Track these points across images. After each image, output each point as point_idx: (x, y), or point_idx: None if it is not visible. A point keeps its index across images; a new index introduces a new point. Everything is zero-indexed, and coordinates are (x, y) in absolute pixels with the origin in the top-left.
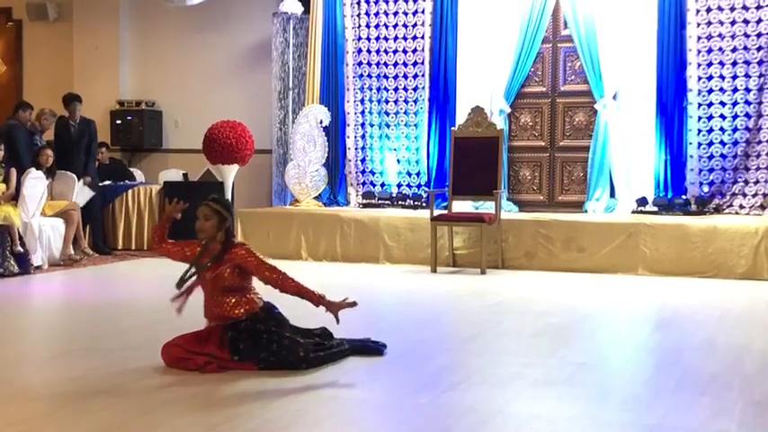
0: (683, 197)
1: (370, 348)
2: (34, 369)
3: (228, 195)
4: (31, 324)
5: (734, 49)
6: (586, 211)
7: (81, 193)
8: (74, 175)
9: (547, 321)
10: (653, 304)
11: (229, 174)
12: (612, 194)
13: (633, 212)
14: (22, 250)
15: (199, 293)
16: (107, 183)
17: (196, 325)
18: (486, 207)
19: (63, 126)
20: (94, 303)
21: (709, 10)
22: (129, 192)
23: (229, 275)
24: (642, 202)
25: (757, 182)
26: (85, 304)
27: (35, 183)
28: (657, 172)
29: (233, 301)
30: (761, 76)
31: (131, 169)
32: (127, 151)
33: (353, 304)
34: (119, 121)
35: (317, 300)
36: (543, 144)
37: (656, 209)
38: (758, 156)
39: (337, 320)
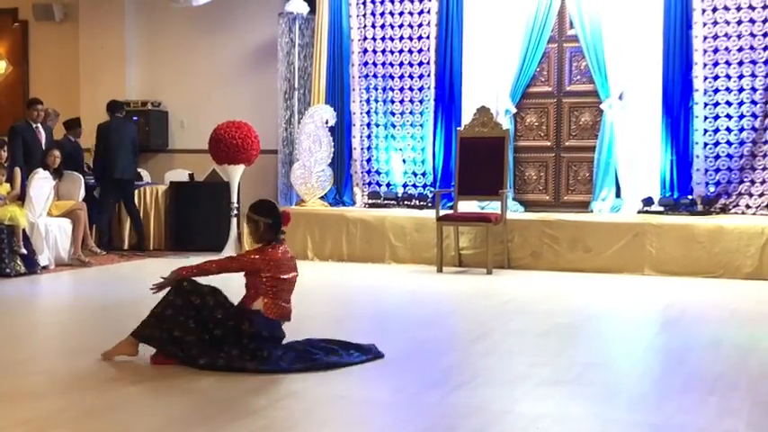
0: (689, 197)
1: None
2: (41, 368)
3: (234, 196)
4: (38, 324)
5: (740, 49)
6: (592, 211)
7: None
8: (80, 176)
9: (553, 321)
10: (659, 304)
11: (235, 174)
12: (618, 194)
13: (639, 212)
14: (25, 252)
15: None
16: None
17: None
18: (492, 207)
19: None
20: (100, 303)
21: (715, 10)
22: (135, 191)
23: None
24: (648, 202)
25: (764, 182)
26: (91, 304)
27: (42, 183)
28: (663, 172)
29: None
30: (767, 75)
31: (137, 169)
32: None
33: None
34: None
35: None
36: (549, 144)
37: (662, 209)
38: (764, 156)
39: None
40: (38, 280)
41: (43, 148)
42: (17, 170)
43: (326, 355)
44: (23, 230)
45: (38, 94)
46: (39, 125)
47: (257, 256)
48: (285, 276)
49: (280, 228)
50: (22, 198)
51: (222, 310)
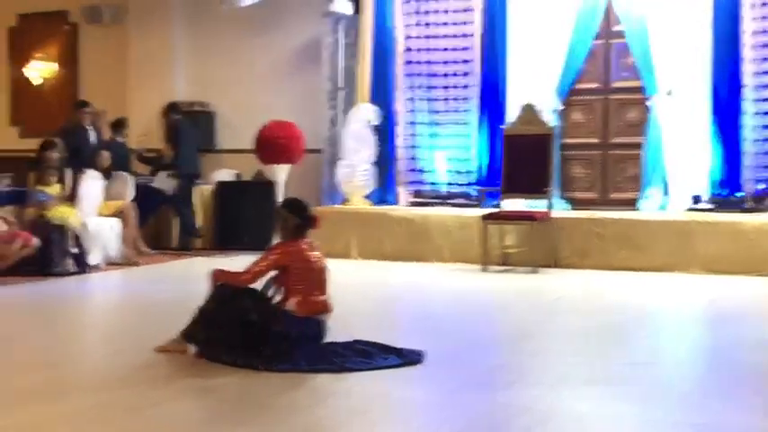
0: (739, 194)
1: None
2: (88, 366)
3: (280, 195)
4: (88, 323)
5: None
6: (640, 209)
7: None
8: (129, 176)
9: (601, 320)
10: (707, 303)
11: (281, 173)
12: (666, 192)
13: (688, 210)
14: (76, 251)
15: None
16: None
17: None
18: (538, 205)
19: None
20: (149, 302)
21: (764, 4)
22: None
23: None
24: (697, 199)
25: None
26: (140, 303)
27: (92, 183)
28: (712, 169)
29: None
30: None
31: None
32: None
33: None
34: None
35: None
36: (596, 141)
37: (710, 206)
38: None
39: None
40: (88, 279)
41: (92, 149)
42: (67, 171)
43: (357, 357)
44: (74, 230)
45: (87, 96)
46: (88, 126)
47: (277, 255)
48: (314, 265)
49: (307, 229)
50: (72, 198)
51: (257, 313)
